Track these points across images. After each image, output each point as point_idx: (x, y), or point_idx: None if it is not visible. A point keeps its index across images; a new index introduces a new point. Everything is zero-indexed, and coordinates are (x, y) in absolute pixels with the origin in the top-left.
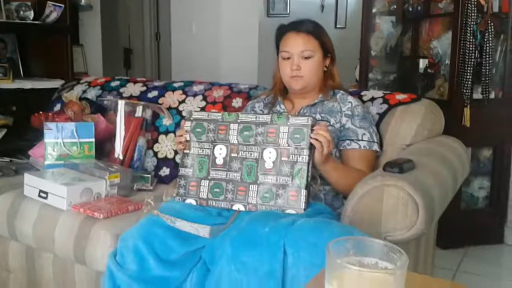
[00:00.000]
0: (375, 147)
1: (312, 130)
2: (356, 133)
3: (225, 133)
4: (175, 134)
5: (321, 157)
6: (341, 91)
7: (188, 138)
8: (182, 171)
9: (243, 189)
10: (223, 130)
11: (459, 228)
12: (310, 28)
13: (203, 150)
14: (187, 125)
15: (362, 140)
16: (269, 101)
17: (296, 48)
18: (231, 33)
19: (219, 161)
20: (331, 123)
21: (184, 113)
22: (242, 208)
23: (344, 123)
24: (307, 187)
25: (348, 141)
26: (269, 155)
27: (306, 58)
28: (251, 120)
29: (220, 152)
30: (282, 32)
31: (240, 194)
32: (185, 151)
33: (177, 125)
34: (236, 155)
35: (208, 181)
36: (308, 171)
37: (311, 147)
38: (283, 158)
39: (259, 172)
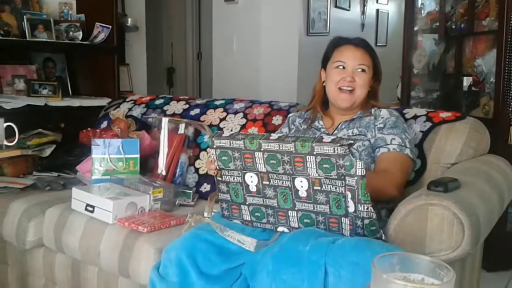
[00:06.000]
0: (407, 151)
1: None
2: (385, 140)
3: (251, 161)
4: None
5: None
6: (375, 107)
7: (217, 167)
8: (220, 196)
9: (283, 214)
10: (249, 158)
11: (505, 250)
12: (368, 46)
13: (234, 178)
14: (212, 153)
15: (391, 144)
16: (308, 117)
17: (353, 60)
18: (271, 52)
19: (252, 188)
20: (368, 138)
21: (225, 130)
22: (286, 231)
23: (377, 135)
24: (347, 214)
25: (377, 149)
26: (301, 184)
27: (361, 71)
28: (275, 149)
29: (252, 180)
30: (338, 43)
31: (281, 219)
32: (218, 178)
33: None
34: (267, 182)
35: (247, 206)
36: (345, 200)
37: (344, 176)
38: (315, 188)
39: (295, 200)
